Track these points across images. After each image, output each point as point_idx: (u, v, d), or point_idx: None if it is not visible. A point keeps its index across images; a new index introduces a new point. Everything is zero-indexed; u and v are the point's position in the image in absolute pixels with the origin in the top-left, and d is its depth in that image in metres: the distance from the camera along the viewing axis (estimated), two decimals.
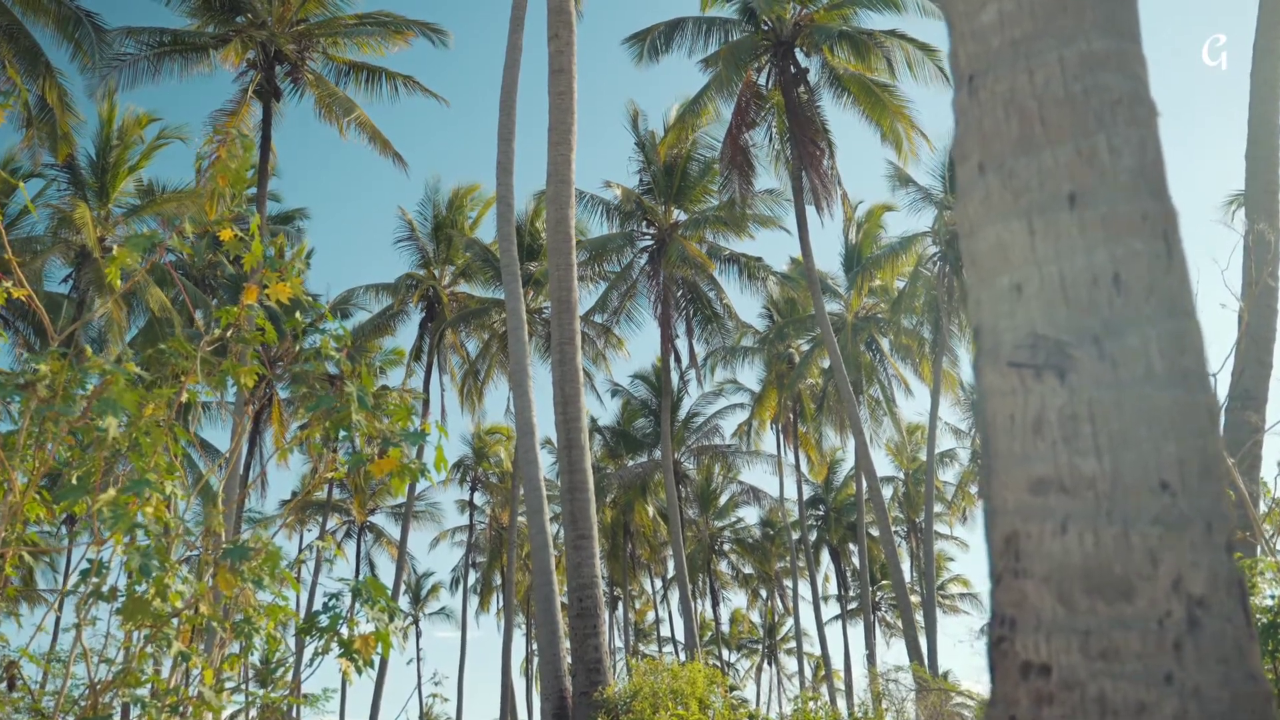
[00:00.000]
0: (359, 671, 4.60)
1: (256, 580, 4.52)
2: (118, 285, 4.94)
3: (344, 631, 4.59)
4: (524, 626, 53.51)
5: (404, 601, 57.62)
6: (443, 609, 61.23)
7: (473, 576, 51.96)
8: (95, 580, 4.62)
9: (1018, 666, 1.94)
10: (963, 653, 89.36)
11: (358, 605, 4.62)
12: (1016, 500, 1.99)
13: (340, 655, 4.53)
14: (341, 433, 4.68)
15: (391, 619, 4.67)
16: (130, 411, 4.30)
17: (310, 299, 5.22)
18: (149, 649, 4.59)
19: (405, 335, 74.61)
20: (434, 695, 7.30)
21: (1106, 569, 1.87)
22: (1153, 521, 1.87)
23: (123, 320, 27.65)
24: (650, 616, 60.95)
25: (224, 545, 4.56)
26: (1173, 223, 2.03)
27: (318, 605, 4.31)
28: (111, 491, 4.42)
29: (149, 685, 4.60)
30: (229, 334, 5.10)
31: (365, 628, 4.55)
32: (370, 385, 4.79)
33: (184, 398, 4.90)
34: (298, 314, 5.09)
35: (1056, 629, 1.89)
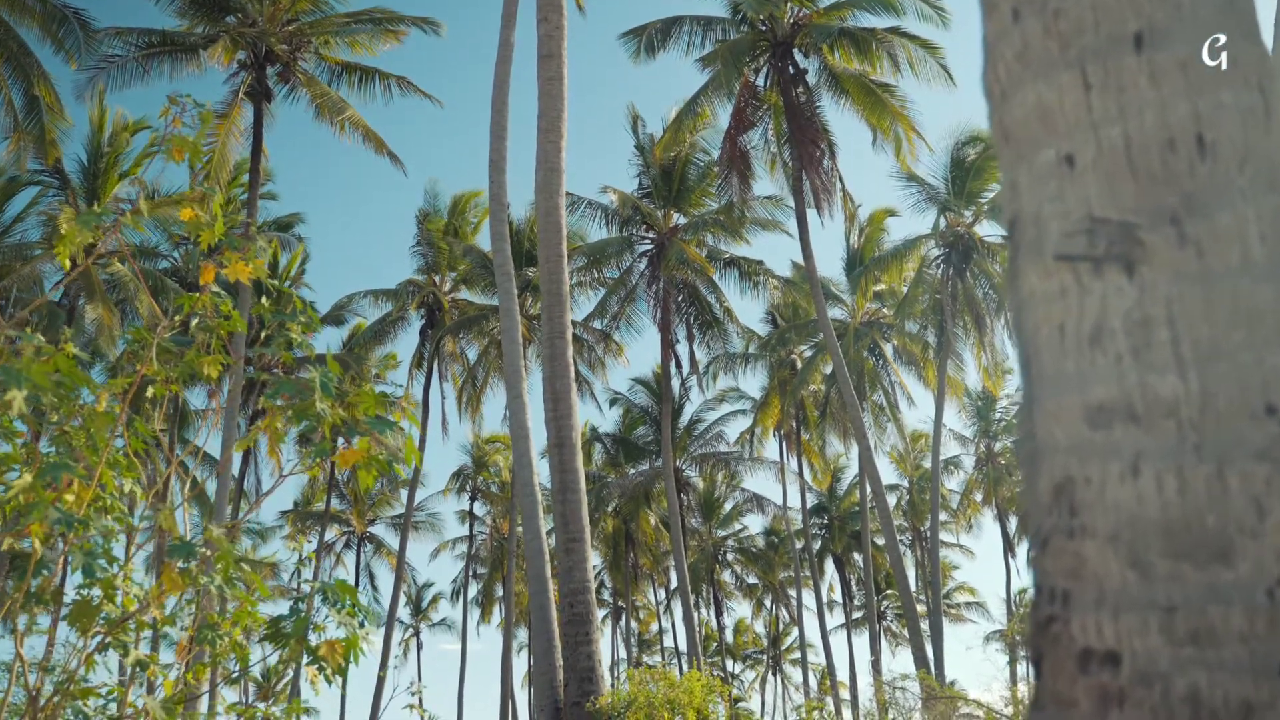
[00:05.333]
0: (328, 681, 4.20)
1: (210, 581, 4.18)
2: (67, 265, 4.58)
3: (311, 638, 4.23)
4: (526, 638, 52.92)
5: (404, 613, 57.06)
6: (444, 620, 60.73)
7: (474, 588, 51.40)
8: (37, 581, 4.22)
9: (1074, 655, 1.45)
10: (971, 661, 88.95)
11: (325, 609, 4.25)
12: (1070, 436, 1.50)
13: (309, 663, 4.17)
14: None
15: (362, 624, 4.27)
16: (40, 384, 3.84)
17: (274, 284, 4.83)
18: (99, 656, 4.23)
19: (407, 342, 74.39)
20: (411, 706, 6.85)
21: (1195, 522, 1.39)
22: (1257, 457, 1.39)
23: (115, 325, 27.31)
24: (654, 627, 60.33)
25: (169, 543, 4.19)
26: (1269, 72, 1.55)
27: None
28: (27, 477, 3.97)
29: (114, 696, 4.27)
30: (194, 323, 4.74)
31: (337, 632, 4.18)
32: (336, 371, 4.38)
33: (151, 391, 4.53)
34: (264, 299, 4.69)
35: (1127, 604, 1.41)
